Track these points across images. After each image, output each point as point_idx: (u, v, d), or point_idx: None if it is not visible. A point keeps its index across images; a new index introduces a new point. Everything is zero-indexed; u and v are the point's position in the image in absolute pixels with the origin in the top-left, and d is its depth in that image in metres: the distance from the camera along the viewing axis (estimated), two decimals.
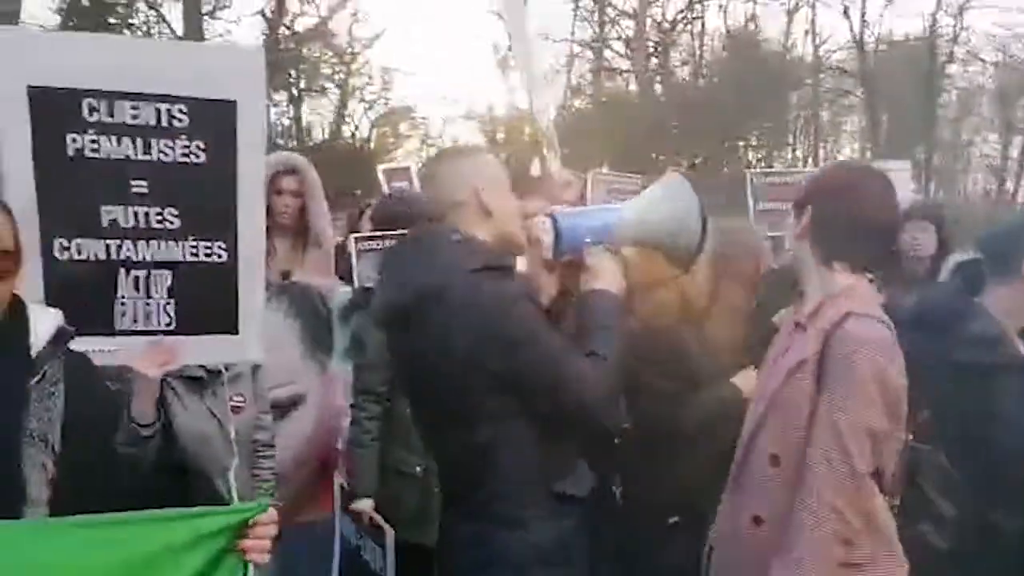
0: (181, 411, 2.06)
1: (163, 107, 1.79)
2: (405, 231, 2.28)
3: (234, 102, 1.83)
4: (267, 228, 2.64)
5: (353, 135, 22.55)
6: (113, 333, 1.86)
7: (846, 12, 22.87)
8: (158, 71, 1.79)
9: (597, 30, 24.10)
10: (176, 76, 1.80)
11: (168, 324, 1.90)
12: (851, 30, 23.18)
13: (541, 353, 1.72)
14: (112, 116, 1.76)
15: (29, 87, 1.69)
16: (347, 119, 22.96)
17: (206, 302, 1.93)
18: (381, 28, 22.21)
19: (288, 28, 21.57)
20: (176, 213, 1.85)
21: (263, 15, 21.12)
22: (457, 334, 1.72)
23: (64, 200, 1.77)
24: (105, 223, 1.81)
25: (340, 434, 2.92)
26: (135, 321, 1.88)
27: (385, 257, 2.25)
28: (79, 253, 1.81)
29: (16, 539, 1.34)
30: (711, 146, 21.76)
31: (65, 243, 1.79)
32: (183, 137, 1.81)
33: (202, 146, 1.83)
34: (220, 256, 1.91)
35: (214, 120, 1.83)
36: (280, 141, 21.87)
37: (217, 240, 1.90)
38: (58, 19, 18.74)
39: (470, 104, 25.66)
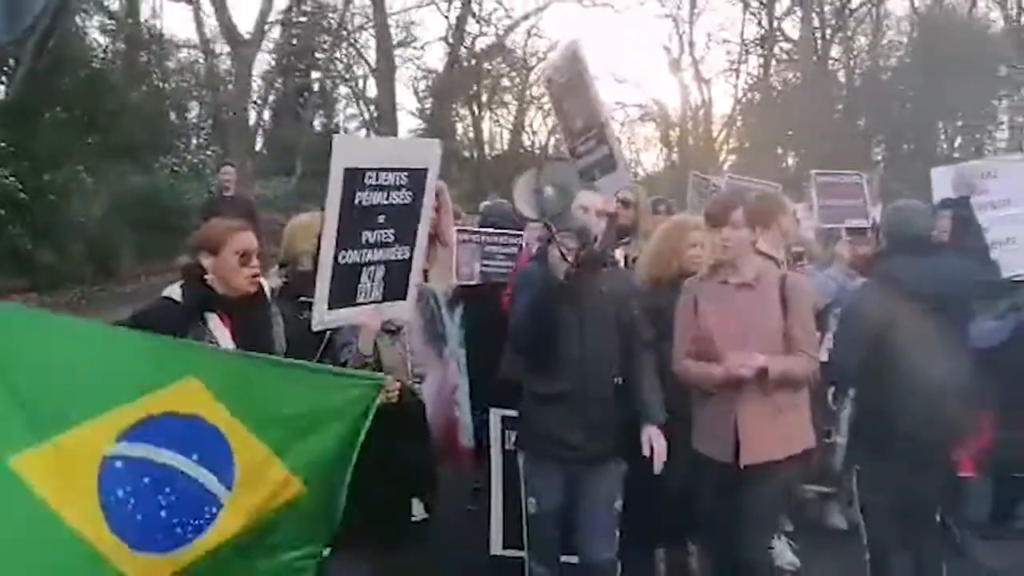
0: (384, 348, 3.37)
1: (396, 174, 3.11)
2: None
3: (426, 169, 3.22)
4: None
5: (532, 143, 24.15)
6: (354, 305, 3.17)
7: None
8: (395, 154, 3.12)
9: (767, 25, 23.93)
10: (402, 156, 3.13)
11: (379, 297, 3.24)
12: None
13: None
14: (376, 181, 3.03)
15: (344, 169, 2.92)
16: (526, 128, 24.72)
17: (395, 281, 3.29)
18: (555, 40, 22.73)
19: (468, 49, 22.88)
20: (392, 232, 3.19)
21: (445, 41, 22.66)
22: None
23: (348, 231, 3.02)
24: (363, 242, 3.09)
25: (456, 405, 3.90)
26: (365, 296, 3.19)
27: None
28: (346, 260, 3.06)
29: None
30: (903, 132, 21.26)
31: (344, 255, 3.04)
32: (403, 189, 3.15)
33: (410, 194, 3.18)
34: (406, 254, 3.29)
35: (416, 179, 3.18)
36: (466, 153, 23.59)
37: (406, 245, 3.27)
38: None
39: (645, 106, 25.53)
